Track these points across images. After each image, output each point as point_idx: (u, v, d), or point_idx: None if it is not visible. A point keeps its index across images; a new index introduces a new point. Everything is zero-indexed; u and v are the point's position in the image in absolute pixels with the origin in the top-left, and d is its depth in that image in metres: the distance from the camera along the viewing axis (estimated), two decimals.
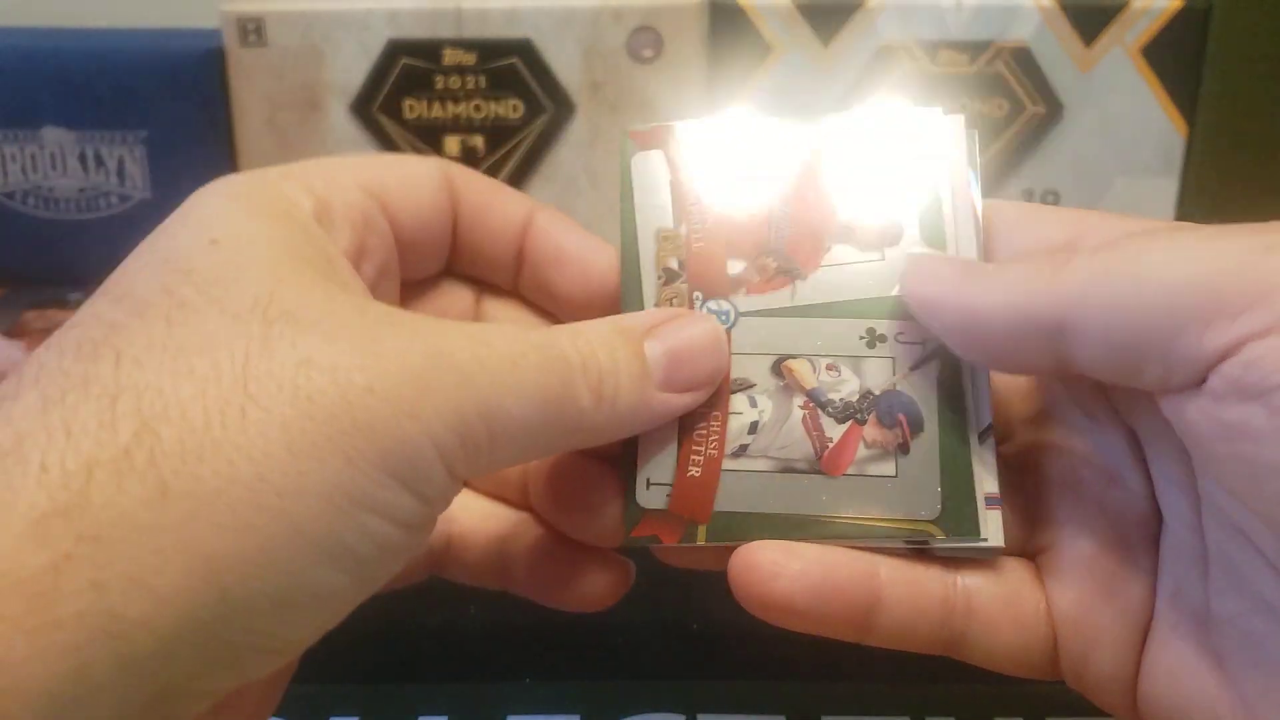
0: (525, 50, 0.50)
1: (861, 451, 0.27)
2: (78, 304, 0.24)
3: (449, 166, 0.29)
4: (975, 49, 0.50)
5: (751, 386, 0.28)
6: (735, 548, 0.26)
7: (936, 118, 0.29)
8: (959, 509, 0.27)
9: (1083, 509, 0.27)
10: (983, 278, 0.25)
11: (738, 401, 0.28)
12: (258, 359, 0.21)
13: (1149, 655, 0.26)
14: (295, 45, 0.50)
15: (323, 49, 0.50)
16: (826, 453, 0.27)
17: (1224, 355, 0.21)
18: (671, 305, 0.28)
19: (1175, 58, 0.50)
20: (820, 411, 0.27)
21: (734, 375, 0.28)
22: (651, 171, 0.29)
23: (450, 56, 0.50)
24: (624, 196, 0.29)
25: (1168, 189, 0.52)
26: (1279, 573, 0.23)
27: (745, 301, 0.28)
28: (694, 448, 0.27)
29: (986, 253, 0.28)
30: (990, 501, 0.27)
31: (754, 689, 0.35)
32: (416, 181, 0.28)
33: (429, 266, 0.30)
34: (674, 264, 0.29)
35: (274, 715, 0.34)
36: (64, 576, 0.18)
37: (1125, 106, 0.51)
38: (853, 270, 0.28)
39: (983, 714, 0.35)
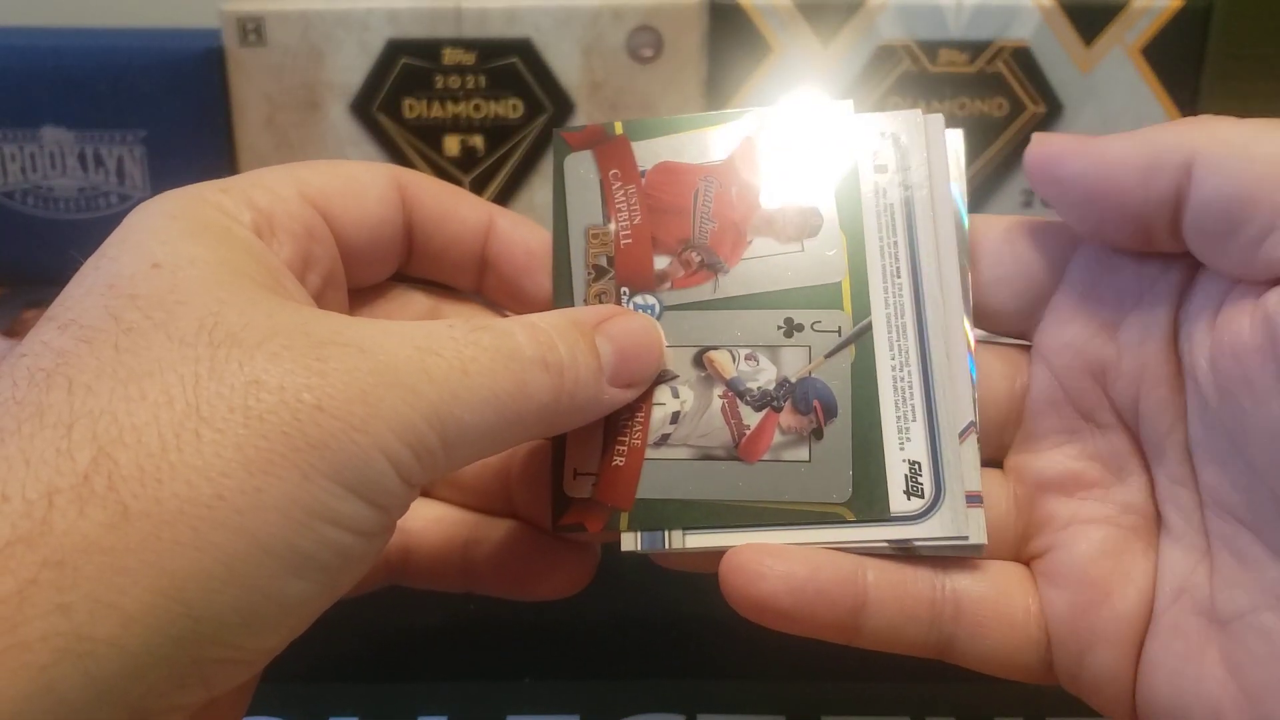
0: (525, 50, 0.50)
1: (777, 438, 0.28)
2: None
3: (401, 173, 0.29)
4: (975, 49, 0.50)
5: (675, 378, 0.29)
6: (725, 551, 0.27)
7: (914, 118, 0.30)
8: (870, 491, 0.27)
9: (1081, 512, 0.27)
10: (1107, 139, 0.26)
11: (660, 392, 0.28)
12: (207, 381, 0.21)
13: (1148, 655, 0.26)
14: (295, 45, 0.50)
15: (322, 49, 0.50)
16: (744, 440, 0.28)
17: None
18: (600, 301, 0.29)
19: (1175, 58, 0.50)
20: (739, 400, 0.28)
21: None
22: (583, 171, 0.30)
23: (450, 56, 0.50)
24: (555, 196, 0.30)
25: None
26: None
27: (670, 295, 0.29)
28: (619, 438, 0.28)
29: (973, 270, 0.29)
30: (971, 499, 0.27)
31: (754, 689, 0.35)
32: (361, 189, 0.28)
33: (379, 273, 0.30)
34: (603, 261, 0.30)
35: (274, 715, 0.34)
36: (29, 602, 0.19)
37: (1125, 106, 0.51)
38: (773, 262, 0.29)
39: (983, 714, 0.35)
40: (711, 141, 0.30)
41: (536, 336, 0.25)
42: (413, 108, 0.51)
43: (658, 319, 0.29)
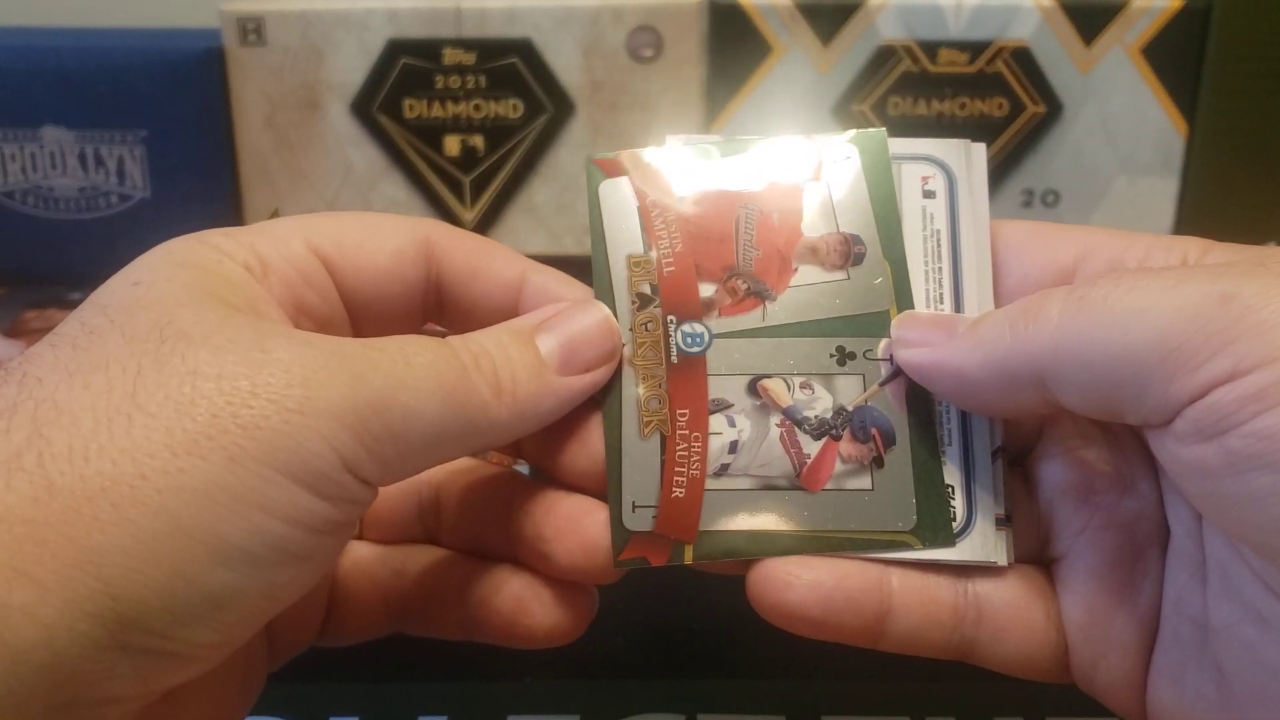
0: (525, 50, 0.50)
1: (838, 467, 0.28)
2: (77, 304, 0.24)
3: (433, 229, 0.29)
4: (975, 49, 0.50)
5: (729, 406, 0.28)
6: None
7: (960, 148, 0.30)
8: (934, 518, 0.27)
9: (1096, 518, 0.28)
10: (965, 338, 0.26)
11: (716, 422, 0.28)
12: (149, 372, 0.22)
13: (1156, 661, 0.26)
14: (295, 45, 0.50)
15: (323, 49, 0.50)
16: (805, 469, 0.28)
17: (1190, 400, 0.22)
18: (646, 329, 0.29)
19: (1175, 58, 0.50)
20: (796, 429, 0.28)
21: (712, 396, 0.28)
22: (619, 198, 0.30)
23: (450, 56, 0.50)
24: (593, 224, 0.30)
25: (1167, 188, 0.52)
26: (1265, 584, 0.24)
27: (718, 324, 0.29)
28: (676, 469, 0.28)
29: (995, 275, 0.29)
30: (1000, 522, 0.28)
31: (754, 689, 0.35)
32: (377, 243, 0.28)
33: (400, 326, 0.29)
34: (646, 289, 0.29)
35: (274, 715, 0.34)
36: None
37: (1125, 106, 0.51)
38: (820, 289, 0.29)
39: (983, 714, 0.35)
40: (748, 167, 0.30)
41: (469, 344, 0.26)
42: (413, 108, 0.51)
43: (708, 347, 0.28)
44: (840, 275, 0.29)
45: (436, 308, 0.30)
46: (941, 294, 0.29)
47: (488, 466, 0.30)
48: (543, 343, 0.27)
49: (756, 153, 0.30)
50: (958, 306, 0.29)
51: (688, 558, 0.27)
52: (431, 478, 0.30)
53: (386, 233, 0.28)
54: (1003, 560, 0.27)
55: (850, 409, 0.28)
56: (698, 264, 0.29)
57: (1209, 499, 0.23)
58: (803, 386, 0.28)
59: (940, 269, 0.29)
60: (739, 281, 0.29)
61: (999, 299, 0.29)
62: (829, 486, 0.28)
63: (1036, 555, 0.28)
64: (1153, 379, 0.23)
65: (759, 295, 0.29)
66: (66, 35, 0.52)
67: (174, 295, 0.24)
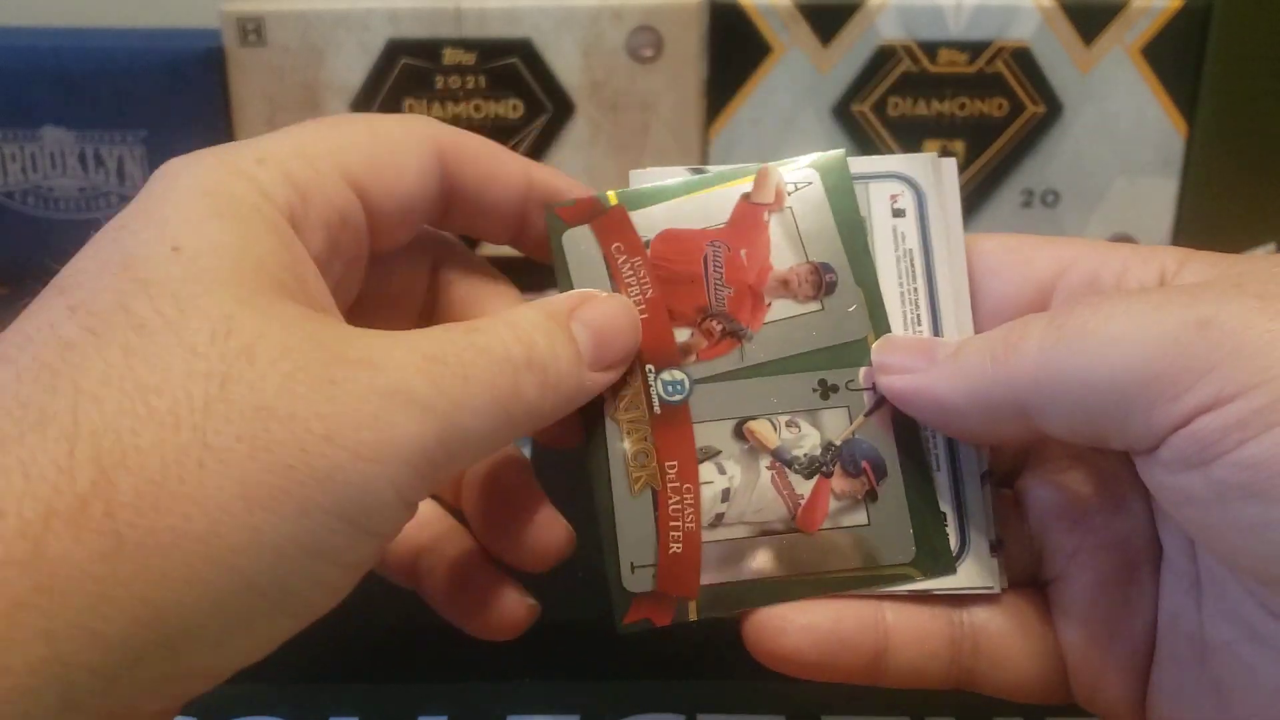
0: (525, 50, 0.50)
1: (833, 504, 0.28)
2: None
3: (443, 135, 0.28)
4: (975, 49, 0.50)
5: (718, 454, 0.28)
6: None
7: (927, 162, 0.29)
8: (932, 546, 0.27)
9: (1088, 539, 0.27)
10: (945, 366, 0.26)
11: (706, 470, 0.28)
12: (216, 404, 0.21)
13: (1154, 679, 0.26)
14: (295, 45, 0.50)
15: (323, 49, 0.50)
16: (800, 510, 0.28)
17: (1173, 428, 0.22)
18: (626, 382, 0.28)
19: (1175, 58, 0.50)
20: (787, 470, 0.28)
21: (699, 445, 0.28)
22: (583, 247, 0.29)
23: (450, 56, 0.50)
24: (559, 275, 0.29)
25: (1167, 189, 0.52)
26: (1261, 604, 0.23)
27: (697, 368, 0.28)
28: (671, 524, 0.27)
29: (973, 295, 0.28)
30: (994, 548, 0.27)
31: (754, 689, 0.35)
32: (402, 163, 0.27)
33: (406, 237, 0.29)
34: None
35: (274, 715, 0.34)
36: (16, 626, 0.19)
37: (1125, 106, 0.51)
38: (796, 323, 0.28)
39: (983, 714, 0.35)
40: (711, 204, 0.29)
41: (519, 336, 0.25)
42: (413, 108, 0.51)
43: (689, 395, 0.28)
44: (814, 306, 0.29)
45: (443, 212, 0.29)
46: (919, 315, 0.28)
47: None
48: (578, 333, 0.26)
49: (718, 185, 0.29)
50: (935, 328, 0.28)
51: (692, 614, 0.27)
52: None
53: (408, 149, 0.27)
54: (998, 586, 0.27)
55: (839, 443, 0.28)
56: (670, 308, 0.28)
57: (1197, 526, 0.23)
58: (789, 425, 0.28)
59: (915, 289, 0.29)
60: (714, 323, 0.28)
61: (978, 319, 0.28)
62: (825, 526, 0.27)
63: (1030, 578, 0.28)
64: (1134, 407, 0.22)
65: (735, 335, 0.28)
66: (66, 35, 0.52)
67: (225, 279, 0.22)
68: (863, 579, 0.27)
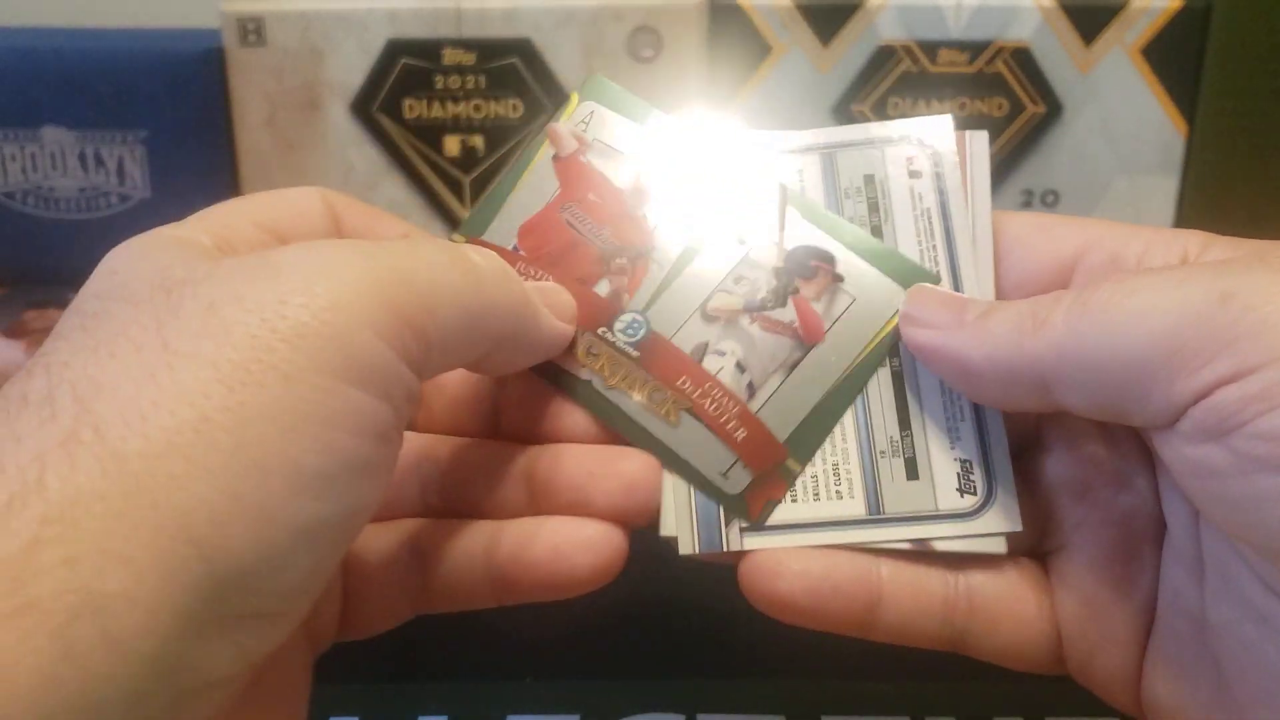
0: (525, 50, 0.50)
1: (819, 307, 0.29)
2: None
3: (329, 195, 0.29)
4: (975, 49, 0.50)
5: (706, 345, 0.29)
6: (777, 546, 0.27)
7: (945, 124, 0.31)
8: (919, 274, 0.29)
9: (1093, 512, 0.28)
10: (972, 328, 0.26)
11: (710, 363, 0.29)
12: (169, 320, 0.21)
13: (1150, 656, 0.26)
14: (295, 45, 0.50)
15: (323, 49, 0.50)
16: (801, 332, 0.29)
17: (1194, 400, 0.22)
18: (593, 354, 0.29)
19: (1175, 58, 0.50)
20: (765, 314, 0.29)
21: (688, 351, 0.29)
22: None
23: (450, 56, 0.50)
24: None
25: (1167, 188, 0.52)
26: (1266, 584, 0.24)
27: (636, 300, 0.30)
28: (722, 419, 0.29)
29: (997, 268, 0.29)
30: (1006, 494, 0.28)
31: (754, 689, 0.35)
32: (305, 211, 0.28)
33: None
34: None
35: None
36: (34, 558, 0.18)
37: (1125, 106, 0.51)
38: (676, 216, 0.30)
39: (983, 714, 0.35)
40: (536, 183, 0.31)
41: (489, 254, 0.26)
42: (413, 108, 0.51)
43: (648, 325, 0.29)
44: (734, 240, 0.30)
45: None
46: (938, 271, 0.29)
47: (486, 442, 0.30)
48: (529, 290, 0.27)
49: (528, 167, 0.31)
50: (955, 283, 0.29)
51: (796, 468, 0.28)
52: (432, 450, 0.30)
53: (305, 204, 0.28)
54: (1019, 527, 0.28)
55: (781, 263, 0.30)
56: (576, 278, 0.30)
57: (1214, 499, 0.23)
58: (737, 282, 0.29)
59: (934, 247, 0.29)
60: (619, 260, 0.30)
61: (1000, 290, 0.29)
62: (828, 326, 0.29)
63: (1032, 547, 0.28)
64: (1156, 380, 0.23)
65: (641, 257, 0.30)
66: (66, 35, 0.52)
67: (158, 262, 0.23)
68: (885, 340, 0.29)
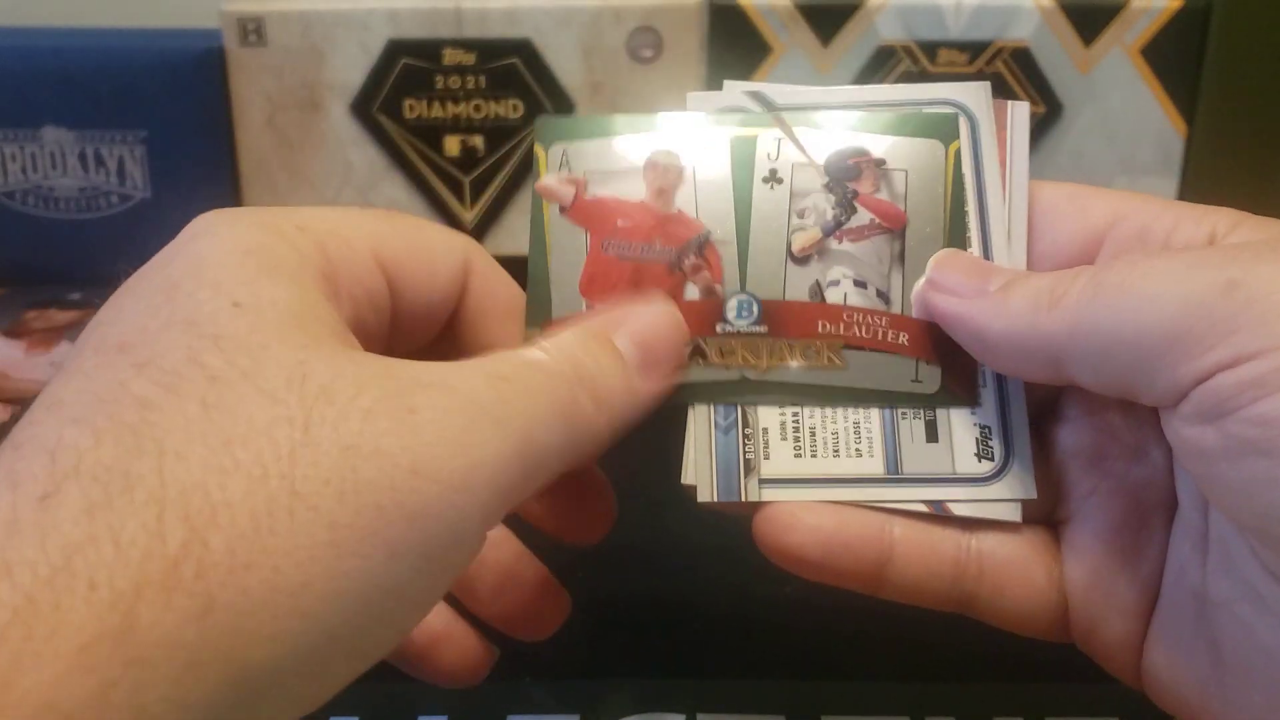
0: (525, 50, 0.50)
1: (884, 195, 0.29)
2: (78, 304, 0.23)
3: (471, 249, 0.29)
4: (975, 49, 0.50)
5: (818, 283, 0.29)
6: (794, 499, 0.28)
7: (982, 90, 0.31)
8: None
9: (1105, 483, 0.28)
10: (993, 300, 0.27)
11: (833, 294, 0.29)
12: (301, 449, 0.20)
13: (1153, 629, 0.27)
14: (295, 45, 0.50)
15: (323, 49, 0.50)
16: (886, 224, 0.29)
17: (1195, 383, 0.23)
18: (722, 354, 0.29)
19: (1175, 58, 0.50)
20: (846, 228, 0.29)
21: (807, 298, 0.29)
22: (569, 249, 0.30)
23: (450, 56, 0.50)
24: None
25: (1167, 189, 0.52)
26: (1263, 565, 0.24)
27: (729, 285, 0.29)
28: (879, 337, 0.29)
29: (1031, 236, 0.29)
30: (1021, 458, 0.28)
31: (754, 689, 0.35)
32: (434, 264, 0.27)
33: (419, 341, 0.29)
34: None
35: None
36: (109, 706, 0.18)
37: (1125, 106, 0.51)
38: (707, 190, 0.30)
39: (983, 714, 0.35)
40: (562, 241, 0.30)
41: (565, 356, 0.25)
42: (413, 108, 0.51)
43: (756, 299, 0.29)
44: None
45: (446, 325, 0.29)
46: (968, 236, 0.29)
47: None
48: (622, 346, 0.26)
49: (546, 248, 0.31)
50: (985, 251, 0.29)
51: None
52: None
53: (441, 254, 0.28)
54: (1034, 494, 0.28)
55: (825, 178, 0.30)
56: (654, 283, 0.29)
57: (1209, 481, 0.24)
58: (802, 215, 0.30)
59: (966, 213, 0.30)
60: (687, 259, 0.29)
61: (1031, 258, 0.29)
62: (903, 205, 0.29)
63: (1044, 515, 0.29)
64: (1161, 363, 0.23)
65: (704, 244, 0.30)
66: (66, 35, 0.52)
67: (289, 329, 0.22)
68: (955, 184, 0.29)
